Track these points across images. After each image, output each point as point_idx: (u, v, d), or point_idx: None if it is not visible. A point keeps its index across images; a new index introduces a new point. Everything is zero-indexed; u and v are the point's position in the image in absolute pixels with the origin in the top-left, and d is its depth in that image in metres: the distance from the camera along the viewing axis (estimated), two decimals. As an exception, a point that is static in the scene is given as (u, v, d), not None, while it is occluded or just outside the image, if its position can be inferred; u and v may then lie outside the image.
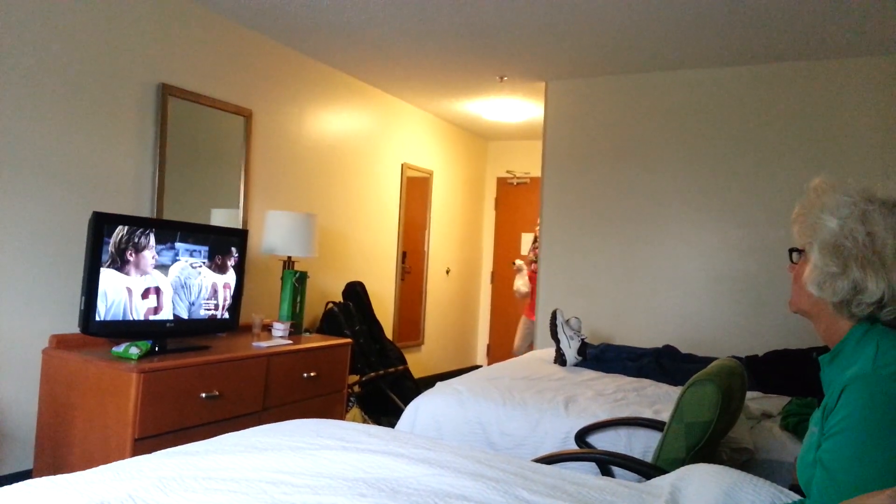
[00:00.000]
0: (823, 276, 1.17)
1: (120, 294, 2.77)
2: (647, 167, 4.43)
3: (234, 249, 3.28)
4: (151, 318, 2.91)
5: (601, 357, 3.45)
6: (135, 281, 2.84)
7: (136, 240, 2.82)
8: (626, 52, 4.05)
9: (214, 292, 3.20)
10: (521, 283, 5.43)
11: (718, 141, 4.22)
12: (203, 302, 3.14)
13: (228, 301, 3.28)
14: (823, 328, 1.23)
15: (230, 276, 3.28)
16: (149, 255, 2.88)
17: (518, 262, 5.56)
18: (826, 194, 1.21)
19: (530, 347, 5.29)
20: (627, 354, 3.45)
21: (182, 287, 3.03)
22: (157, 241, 2.92)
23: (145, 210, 3.35)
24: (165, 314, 2.96)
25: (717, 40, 3.75)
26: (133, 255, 2.82)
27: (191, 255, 3.08)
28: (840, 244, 1.16)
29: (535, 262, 5.24)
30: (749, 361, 3.29)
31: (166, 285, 2.96)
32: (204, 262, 3.13)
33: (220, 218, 3.81)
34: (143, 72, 3.31)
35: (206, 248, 3.16)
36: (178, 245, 3.01)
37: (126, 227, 2.79)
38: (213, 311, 3.19)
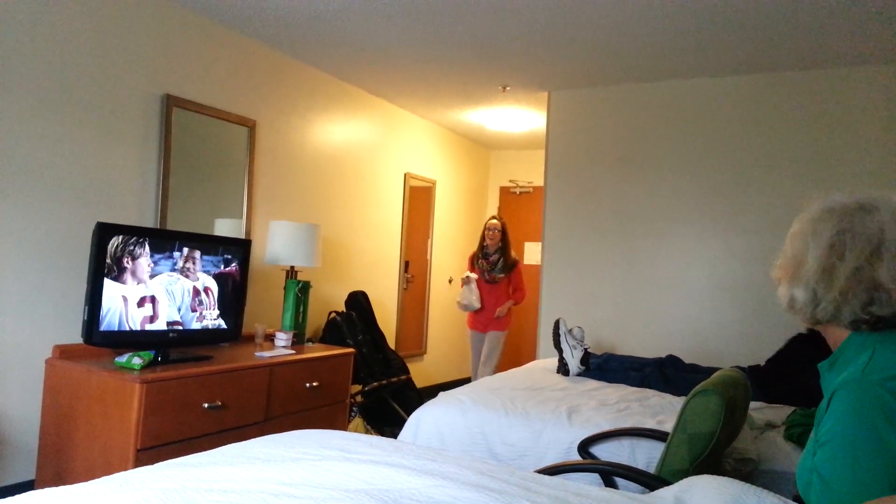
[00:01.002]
0: (777, 290, 1.28)
1: (116, 303, 2.77)
2: (650, 176, 4.43)
3: (196, 252, 3.19)
4: (152, 328, 2.92)
5: (604, 367, 3.44)
6: (131, 290, 2.84)
7: (133, 249, 2.83)
8: (629, 62, 4.06)
9: (197, 295, 3.16)
10: (474, 298, 4.86)
11: (721, 150, 4.23)
12: (192, 307, 3.11)
13: (214, 303, 3.22)
14: (826, 336, 1.25)
15: (208, 280, 3.20)
16: (144, 264, 2.88)
17: (472, 274, 4.96)
18: (801, 216, 1.28)
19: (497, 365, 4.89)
20: (630, 364, 3.44)
21: (167, 294, 3.02)
22: (159, 251, 2.93)
23: (149, 220, 3.36)
24: (160, 323, 2.96)
25: (720, 50, 3.76)
26: (130, 264, 2.83)
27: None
28: (781, 261, 1.26)
29: (491, 271, 4.86)
30: (752, 371, 3.28)
31: (162, 294, 2.96)
32: (177, 269, 3.06)
33: (224, 228, 3.82)
34: (148, 83, 3.33)
35: (212, 259, 3.17)
36: (175, 255, 3.02)
37: (127, 237, 2.80)
38: (201, 316, 3.16)
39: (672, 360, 3.48)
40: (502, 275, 4.85)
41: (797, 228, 1.25)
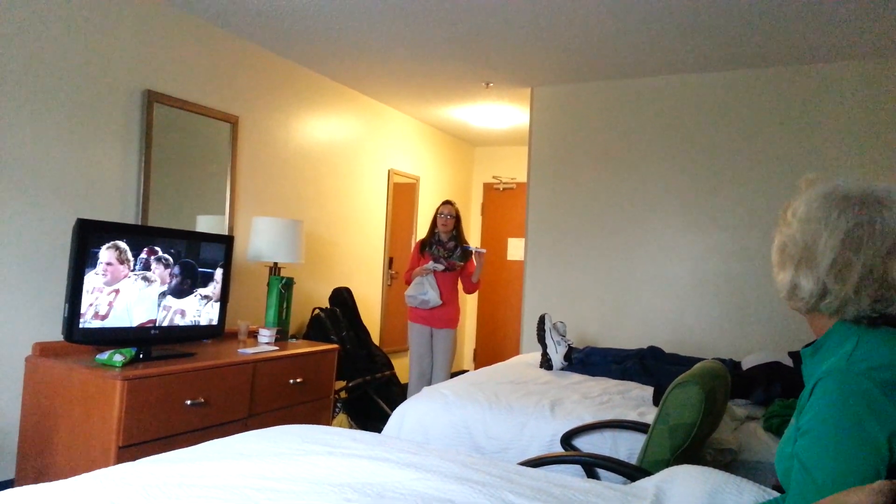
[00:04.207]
0: (775, 274, 1.24)
1: (96, 299, 2.75)
2: (632, 172, 4.46)
3: (178, 248, 3.24)
4: (134, 325, 2.89)
5: (586, 360, 3.47)
6: (111, 287, 2.82)
7: (119, 246, 2.81)
8: (611, 58, 4.08)
9: (179, 291, 3.17)
10: (434, 293, 4.33)
11: (703, 145, 4.26)
12: (173, 303, 3.12)
13: (196, 300, 3.24)
14: (810, 322, 1.23)
15: (190, 277, 3.22)
16: (126, 260, 2.86)
17: (437, 265, 4.36)
18: (798, 196, 1.23)
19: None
20: (613, 357, 3.46)
21: (149, 291, 3.02)
22: (141, 248, 2.91)
23: (131, 217, 3.32)
24: (142, 320, 2.94)
25: (700, 46, 3.79)
26: (115, 261, 2.80)
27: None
28: (784, 244, 1.21)
29: (449, 258, 4.43)
30: (734, 376, 3.22)
31: (143, 291, 2.94)
32: (159, 266, 3.08)
33: (207, 224, 3.79)
34: (129, 78, 3.29)
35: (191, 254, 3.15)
36: (157, 251, 2.99)
37: (109, 234, 2.77)
38: (183, 313, 3.17)
39: (653, 352, 3.51)
40: (462, 262, 4.44)
41: (807, 212, 1.17)
